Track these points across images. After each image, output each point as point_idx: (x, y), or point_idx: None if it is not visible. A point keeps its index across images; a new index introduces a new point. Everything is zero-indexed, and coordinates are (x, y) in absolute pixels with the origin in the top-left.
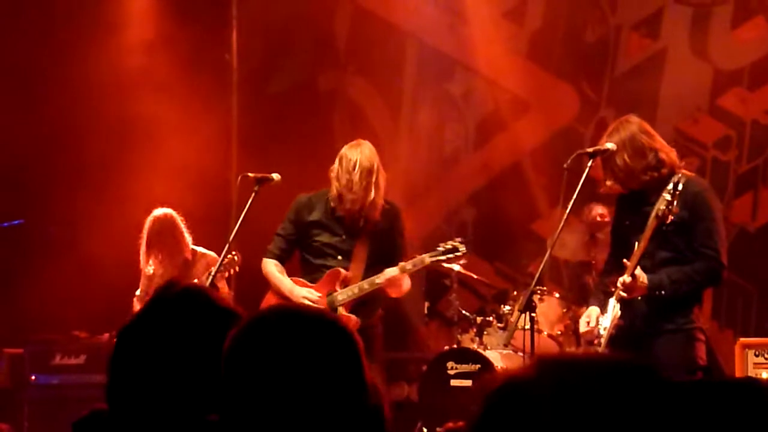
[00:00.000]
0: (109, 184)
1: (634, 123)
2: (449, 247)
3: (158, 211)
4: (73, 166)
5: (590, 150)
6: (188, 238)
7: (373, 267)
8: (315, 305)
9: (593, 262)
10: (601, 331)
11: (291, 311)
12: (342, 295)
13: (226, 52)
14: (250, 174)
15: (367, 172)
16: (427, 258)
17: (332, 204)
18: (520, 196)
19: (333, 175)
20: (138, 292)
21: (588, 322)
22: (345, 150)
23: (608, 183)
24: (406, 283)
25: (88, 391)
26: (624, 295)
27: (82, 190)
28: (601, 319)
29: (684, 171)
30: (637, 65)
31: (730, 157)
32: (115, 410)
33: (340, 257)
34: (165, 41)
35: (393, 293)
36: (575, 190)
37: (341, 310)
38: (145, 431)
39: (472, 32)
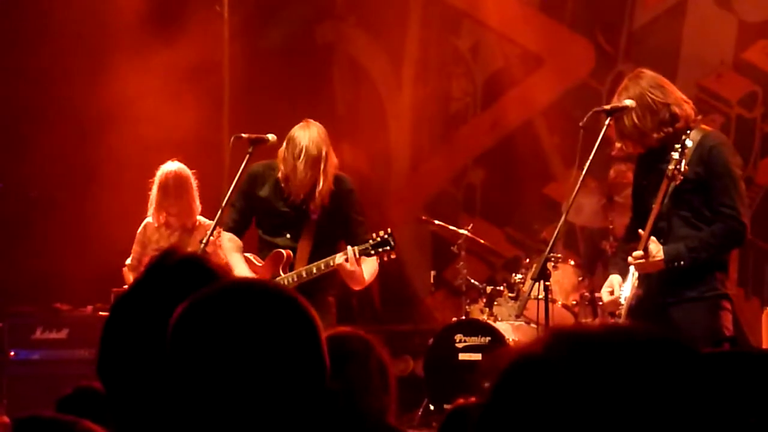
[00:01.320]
0: (92, 145)
1: (644, 78)
2: (378, 240)
3: (174, 165)
4: (54, 128)
5: (608, 107)
6: (198, 204)
7: (323, 248)
8: None
9: (611, 226)
10: (621, 301)
11: (240, 285)
12: (284, 280)
13: (217, 4)
14: (243, 135)
15: (313, 161)
16: (356, 249)
17: (282, 183)
18: (532, 158)
19: (280, 156)
20: (129, 261)
21: (611, 292)
22: (294, 131)
23: (618, 144)
24: (364, 272)
25: (70, 367)
26: (638, 270)
27: (63, 154)
28: (621, 291)
29: (702, 126)
30: (656, 17)
31: (756, 114)
32: (107, 384)
33: (288, 235)
34: None
35: (350, 284)
36: (591, 151)
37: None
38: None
39: None
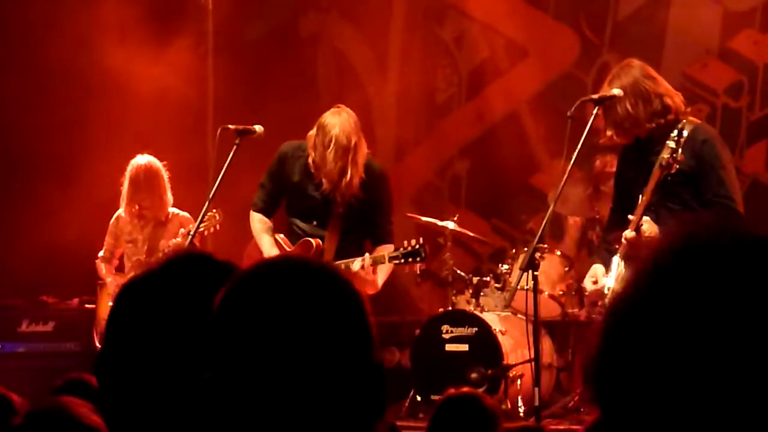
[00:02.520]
0: (76, 138)
1: (636, 67)
2: (409, 249)
3: (145, 158)
4: (39, 122)
5: (595, 97)
6: (170, 196)
7: (349, 239)
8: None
9: (597, 216)
10: (605, 291)
11: (288, 263)
12: None
13: None
14: (230, 126)
15: (343, 151)
16: (387, 257)
17: (311, 169)
18: (518, 148)
19: (310, 142)
20: (101, 253)
21: (594, 281)
22: (325, 118)
23: (609, 133)
24: (379, 277)
25: (57, 359)
26: (630, 251)
27: (47, 146)
28: (605, 279)
29: (690, 118)
30: (641, 6)
31: (742, 103)
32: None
33: (315, 222)
34: None
35: (365, 289)
36: (578, 140)
37: None
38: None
39: None
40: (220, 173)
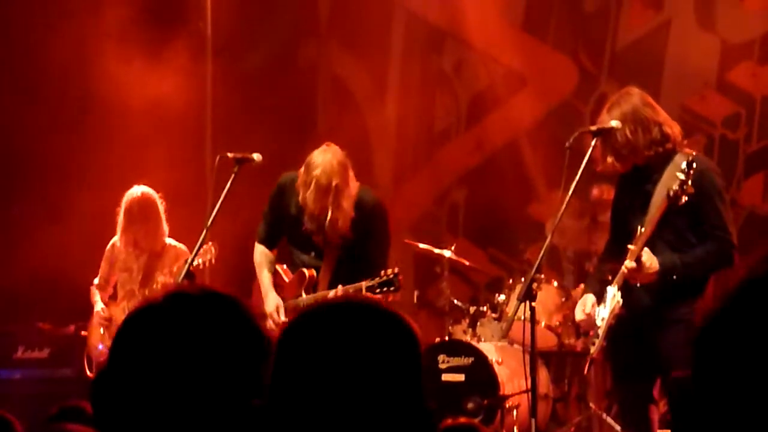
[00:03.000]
0: (74, 164)
1: (635, 95)
2: (385, 279)
3: (140, 189)
4: (35, 147)
5: (593, 128)
6: (166, 227)
7: (344, 271)
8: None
9: (594, 248)
10: (599, 323)
11: (353, 304)
12: (303, 302)
13: (200, 20)
14: (229, 154)
15: (323, 193)
16: (364, 286)
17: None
18: (516, 177)
19: (299, 179)
20: (96, 281)
21: (583, 310)
22: (311, 157)
23: (609, 160)
24: None
25: (52, 386)
26: (630, 280)
27: (45, 173)
28: (598, 310)
29: (687, 149)
30: (639, 37)
31: (740, 135)
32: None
33: (313, 253)
34: (134, 10)
35: None
36: (577, 171)
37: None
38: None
39: (463, 2)
40: (218, 201)
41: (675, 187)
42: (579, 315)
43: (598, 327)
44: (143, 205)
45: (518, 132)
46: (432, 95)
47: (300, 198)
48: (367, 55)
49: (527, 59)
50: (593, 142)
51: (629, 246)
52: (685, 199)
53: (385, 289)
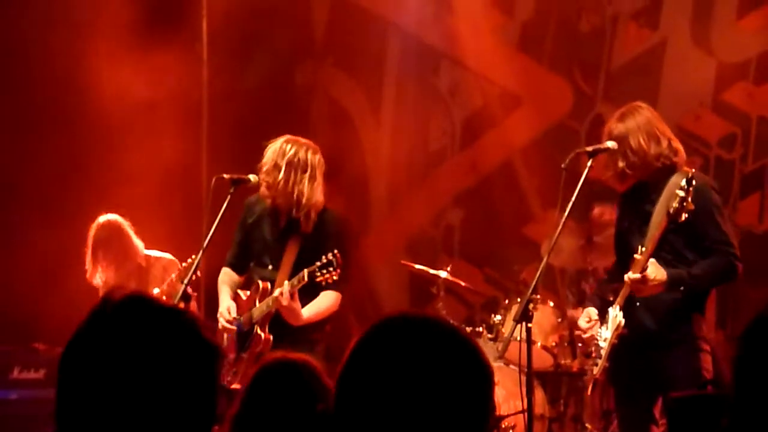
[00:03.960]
0: (70, 185)
1: (646, 108)
2: (324, 262)
3: (102, 218)
4: (31, 167)
5: (590, 149)
6: (138, 243)
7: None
8: (228, 325)
9: (590, 268)
10: (601, 343)
11: (434, 322)
12: (257, 311)
13: (196, 42)
14: (225, 175)
15: (287, 164)
16: (305, 272)
17: (266, 199)
18: (511, 197)
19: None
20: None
21: (588, 321)
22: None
23: (621, 165)
24: (309, 310)
25: (48, 407)
26: (636, 293)
27: (38, 192)
28: (600, 331)
29: (684, 167)
30: (635, 57)
31: (735, 155)
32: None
33: (270, 267)
34: (130, 31)
35: (287, 317)
36: (573, 192)
37: (257, 329)
38: None
39: (458, 22)
40: (213, 223)
41: (675, 204)
42: (583, 324)
43: (601, 348)
44: (103, 235)
45: (513, 152)
46: (427, 115)
47: (266, 184)
48: (362, 76)
49: (522, 80)
50: (589, 163)
51: (635, 256)
52: (685, 216)
53: (324, 271)
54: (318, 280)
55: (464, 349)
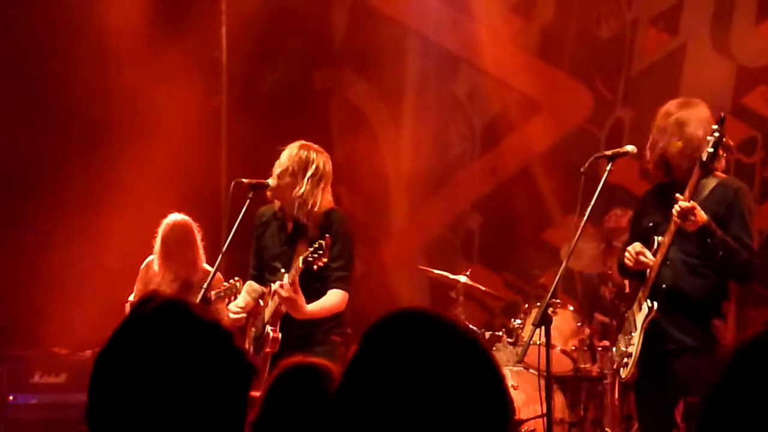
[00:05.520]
0: (89, 189)
1: (702, 105)
2: (316, 246)
3: (176, 216)
4: (50, 170)
5: (609, 153)
6: (203, 255)
7: (310, 284)
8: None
9: (609, 272)
10: (630, 349)
11: (426, 317)
12: (268, 311)
13: (215, 49)
14: (244, 180)
15: (290, 166)
16: (300, 260)
17: (278, 212)
18: (530, 203)
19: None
20: (131, 297)
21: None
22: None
23: (676, 145)
24: (318, 305)
25: (69, 411)
26: (677, 220)
27: (59, 196)
28: (633, 335)
29: (718, 173)
30: (654, 62)
31: (755, 159)
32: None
33: (282, 271)
34: (149, 38)
35: (289, 309)
36: (592, 196)
37: (268, 328)
38: None
39: (477, 28)
40: (232, 227)
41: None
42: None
43: (629, 354)
44: (178, 233)
45: (532, 158)
46: (446, 121)
47: (271, 190)
48: (381, 81)
49: (541, 85)
50: (608, 167)
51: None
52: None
53: (316, 255)
54: (312, 264)
55: (474, 350)
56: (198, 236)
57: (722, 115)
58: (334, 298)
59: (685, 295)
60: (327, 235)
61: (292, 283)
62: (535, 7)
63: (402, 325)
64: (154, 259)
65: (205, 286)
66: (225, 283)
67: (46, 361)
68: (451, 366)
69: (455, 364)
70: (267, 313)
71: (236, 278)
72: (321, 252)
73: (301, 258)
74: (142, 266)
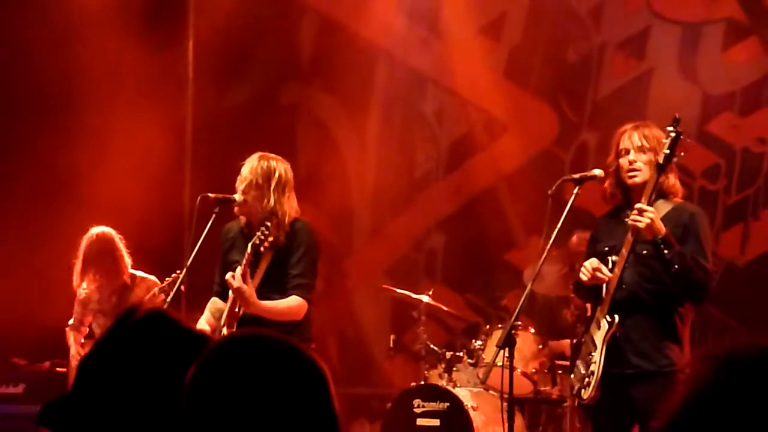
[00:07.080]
0: (51, 202)
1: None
2: (263, 227)
3: (96, 229)
4: (10, 181)
5: (577, 176)
6: (128, 260)
7: (270, 286)
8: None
9: (572, 295)
10: (592, 368)
11: (257, 338)
12: (224, 313)
13: (182, 63)
14: (210, 194)
15: (264, 178)
16: (249, 245)
17: (244, 228)
18: (495, 223)
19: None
20: (71, 321)
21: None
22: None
23: (643, 166)
24: (276, 306)
25: (26, 422)
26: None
27: (18, 207)
28: (593, 355)
29: (674, 198)
30: (621, 86)
31: (719, 186)
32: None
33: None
34: (116, 51)
35: (240, 301)
36: (558, 219)
37: (224, 331)
38: None
39: (446, 48)
40: (197, 242)
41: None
42: (595, 264)
43: (590, 373)
44: (99, 243)
45: (498, 178)
46: (413, 140)
47: (237, 204)
48: (348, 98)
49: (509, 106)
50: (575, 190)
51: (611, 258)
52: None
53: (263, 237)
54: (259, 247)
55: (296, 359)
56: (121, 243)
57: (676, 116)
58: (290, 302)
59: (642, 301)
60: (274, 218)
61: (243, 275)
62: (503, 28)
63: (232, 349)
64: (80, 280)
65: (168, 299)
66: (167, 278)
67: (5, 372)
68: (279, 383)
69: (283, 381)
70: (223, 316)
71: (177, 271)
72: (267, 233)
73: (250, 244)
74: (78, 290)
